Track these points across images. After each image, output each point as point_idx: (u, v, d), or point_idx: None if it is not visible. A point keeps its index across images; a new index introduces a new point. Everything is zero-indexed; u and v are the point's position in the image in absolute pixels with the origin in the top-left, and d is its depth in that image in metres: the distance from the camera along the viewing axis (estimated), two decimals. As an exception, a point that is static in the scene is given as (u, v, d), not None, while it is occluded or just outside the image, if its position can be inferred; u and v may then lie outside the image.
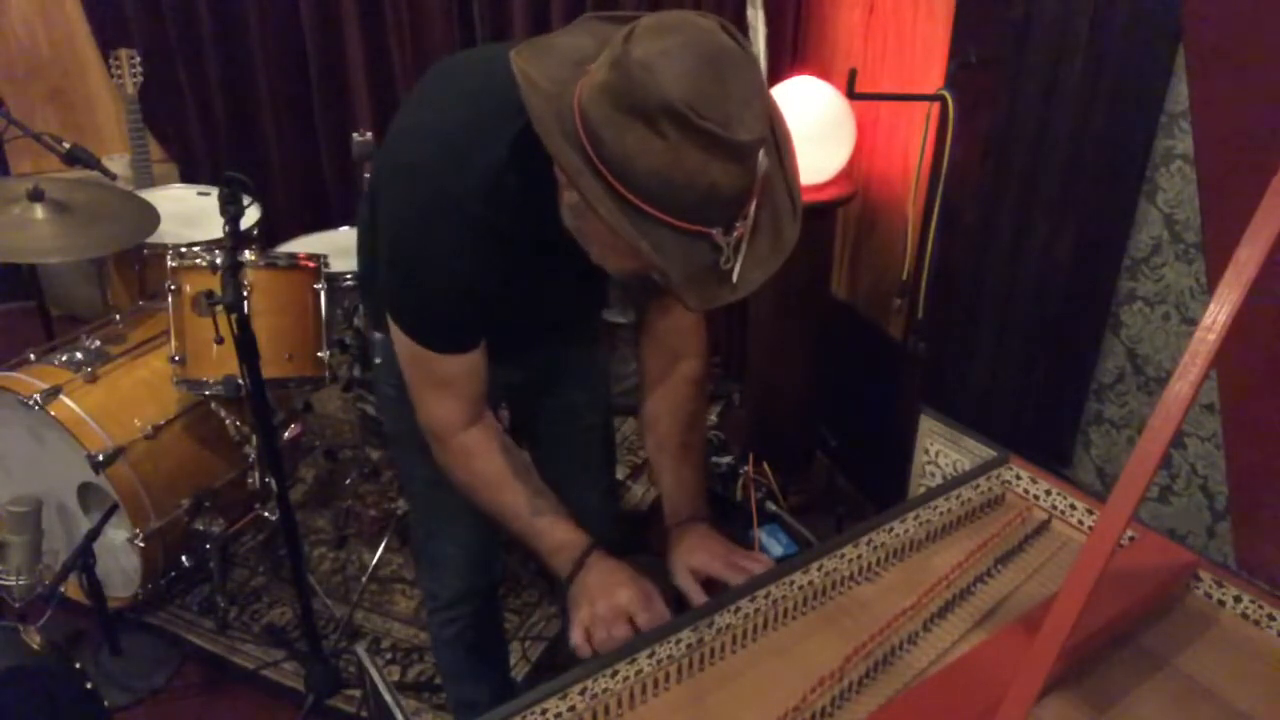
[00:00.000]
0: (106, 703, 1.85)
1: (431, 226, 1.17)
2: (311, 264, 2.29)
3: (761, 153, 0.98)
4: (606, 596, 1.18)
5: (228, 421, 2.39)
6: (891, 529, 1.27)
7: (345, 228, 2.90)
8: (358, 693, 2.15)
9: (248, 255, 2.19)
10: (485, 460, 1.31)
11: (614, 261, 1.10)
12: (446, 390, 1.29)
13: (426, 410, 1.31)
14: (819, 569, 1.21)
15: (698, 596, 1.24)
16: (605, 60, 0.97)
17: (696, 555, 1.28)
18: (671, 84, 0.91)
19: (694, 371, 1.44)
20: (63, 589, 2.11)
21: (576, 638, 1.17)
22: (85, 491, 2.28)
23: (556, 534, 1.28)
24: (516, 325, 1.43)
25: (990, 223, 2.16)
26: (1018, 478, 1.40)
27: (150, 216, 2.43)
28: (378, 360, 1.56)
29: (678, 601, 1.27)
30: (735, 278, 1.01)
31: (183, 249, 2.24)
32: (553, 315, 1.47)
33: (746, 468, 2.52)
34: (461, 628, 1.72)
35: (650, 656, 1.07)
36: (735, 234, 0.99)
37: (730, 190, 0.96)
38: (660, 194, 0.94)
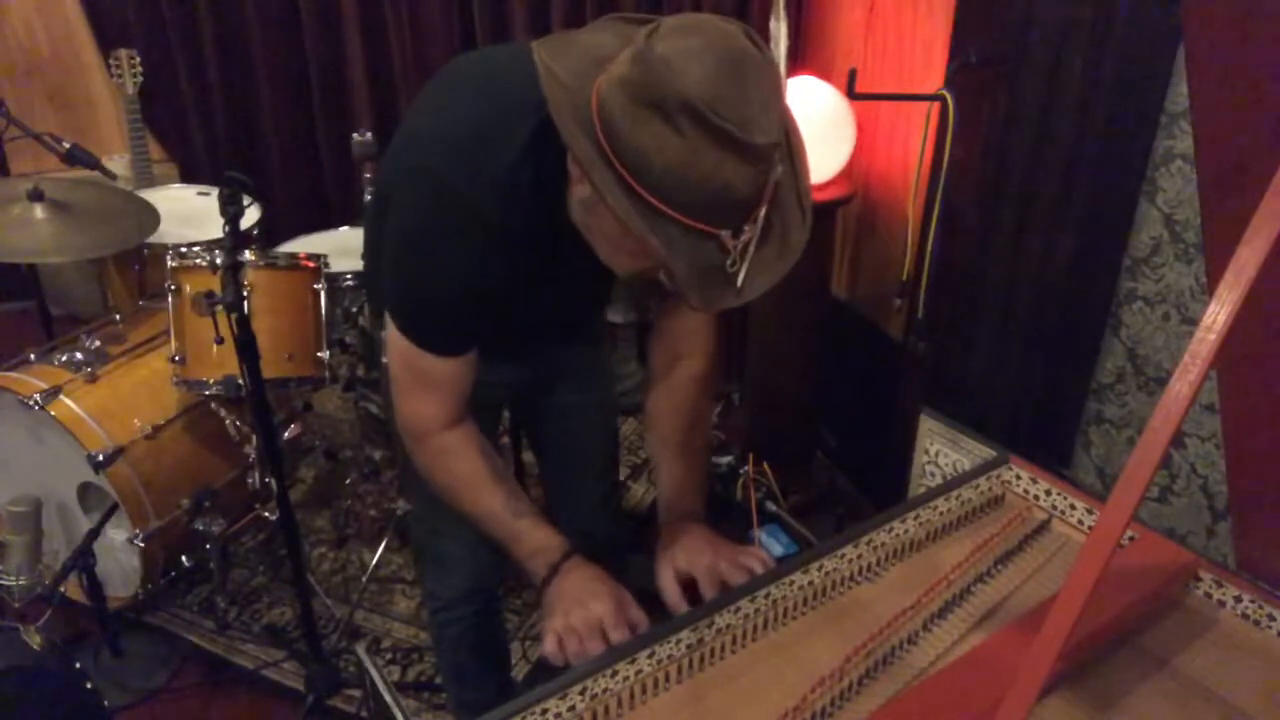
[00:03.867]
0: (106, 703, 1.85)
1: (442, 228, 1.17)
2: (311, 264, 2.29)
3: (776, 158, 0.98)
4: (581, 607, 1.18)
5: (228, 421, 2.39)
6: (891, 529, 1.27)
7: (345, 228, 2.90)
8: (358, 693, 2.15)
9: (248, 255, 2.19)
10: (464, 460, 1.31)
11: (621, 261, 1.10)
12: (433, 390, 1.29)
13: (410, 408, 1.31)
14: (819, 569, 1.21)
15: (674, 600, 1.23)
16: (627, 56, 0.97)
17: (680, 555, 1.28)
18: (692, 82, 0.91)
19: (698, 371, 1.44)
20: (63, 589, 2.11)
21: (549, 646, 1.16)
22: (85, 491, 2.28)
23: (536, 537, 1.27)
24: (521, 325, 1.42)
25: (990, 223, 2.17)
26: (1018, 478, 1.40)
27: (150, 216, 2.43)
28: (385, 359, 1.56)
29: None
30: (740, 282, 1.01)
31: (183, 249, 2.25)
32: (558, 315, 1.47)
33: (746, 468, 2.52)
34: (463, 628, 1.72)
35: (650, 656, 1.07)
36: (743, 238, 0.99)
37: (742, 192, 0.96)
38: (673, 190, 0.94)
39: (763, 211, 1.00)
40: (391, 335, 1.28)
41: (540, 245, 1.21)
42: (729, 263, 1.00)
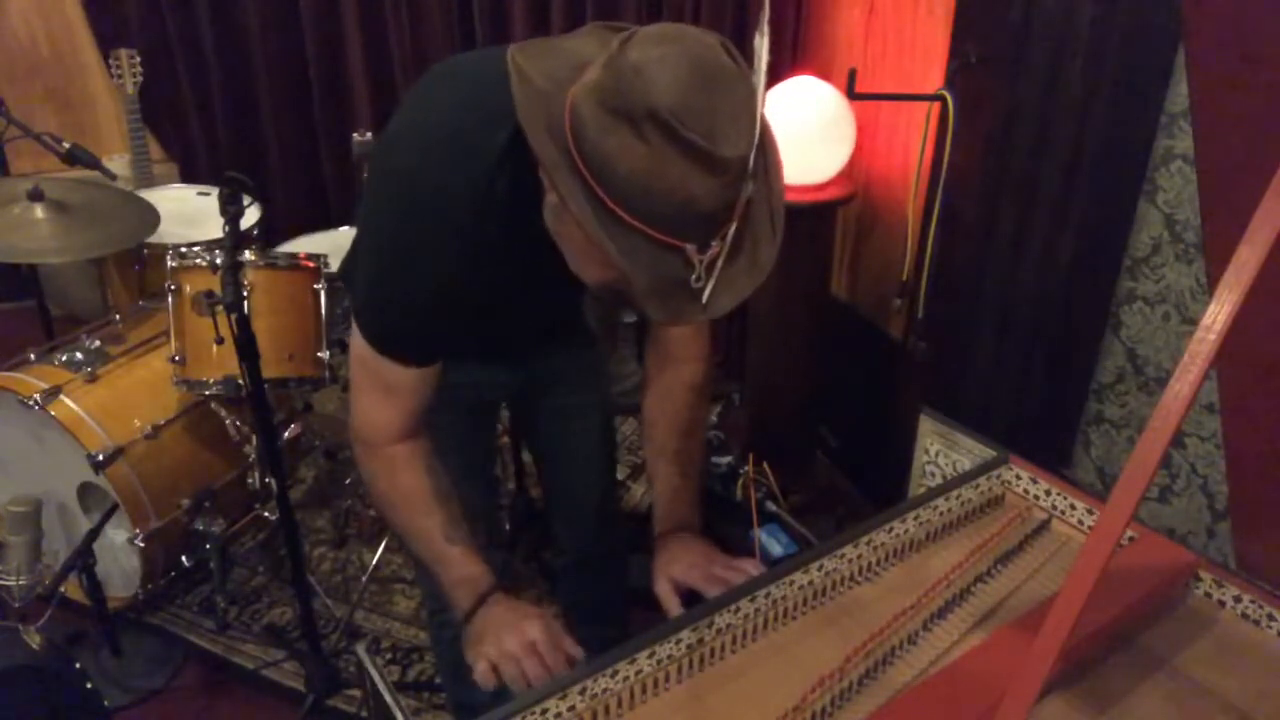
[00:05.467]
0: (106, 703, 1.85)
1: (413, 232, 1.15)
2: (311, 264, 2.28)
3: (746, 173, 0.96)
4: (515, 631, 1.17)
5: (228, 421, 2.39)
6: (891, 529, 1.27)
7: (345, 228, 2.90)
8: (358, 693, 2.15)
9: (248, 255, 2.19)
10: (409, 475, 1.29)
11: (591, 271, 1.07)
12: (391, 398, 1.27)
13: (363, 413, 1.30)
14: (819, 569, 1.21)
15: (673, 608, 1.23)
16: (600, 61, 0.96)
17: (676, 566, 1.27)
18: (661, 90, 0.90)
19: (693, 377, 1.43)
20: (63, 589, 2.11)
21: (481, 671, 1.16)
22: (85, 491, 2.28)
23: (466, 566, 1.26)
24: (507, 330, 1.41)
25: (990, 223, 2.17)
26: (1018, 478, 1.40)
27: (150, 216, 2.43)
28: None
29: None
30: (706, 298, 0.99)
31: (183, 249, 2.24)
32: (543, 320, 1.46)
33: (746, 468, 2.52)
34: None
35: (650, 656, 1.07)
36: (710, 253, 0.97)
37: (708, 205, 0.94)
38: (637, 200, 0.93)
39: (732, 228, 0.98)
40: (354, 338, 1.27)
41: (514, 254, 1.19)
42: (694, 277, 0.97)
